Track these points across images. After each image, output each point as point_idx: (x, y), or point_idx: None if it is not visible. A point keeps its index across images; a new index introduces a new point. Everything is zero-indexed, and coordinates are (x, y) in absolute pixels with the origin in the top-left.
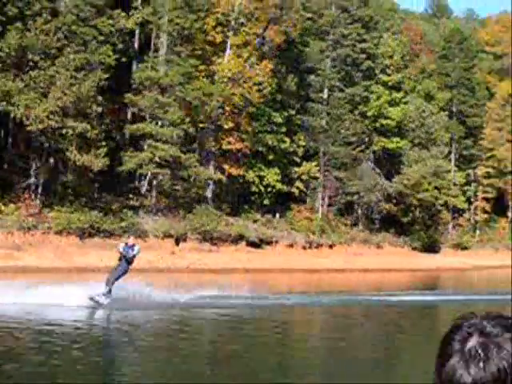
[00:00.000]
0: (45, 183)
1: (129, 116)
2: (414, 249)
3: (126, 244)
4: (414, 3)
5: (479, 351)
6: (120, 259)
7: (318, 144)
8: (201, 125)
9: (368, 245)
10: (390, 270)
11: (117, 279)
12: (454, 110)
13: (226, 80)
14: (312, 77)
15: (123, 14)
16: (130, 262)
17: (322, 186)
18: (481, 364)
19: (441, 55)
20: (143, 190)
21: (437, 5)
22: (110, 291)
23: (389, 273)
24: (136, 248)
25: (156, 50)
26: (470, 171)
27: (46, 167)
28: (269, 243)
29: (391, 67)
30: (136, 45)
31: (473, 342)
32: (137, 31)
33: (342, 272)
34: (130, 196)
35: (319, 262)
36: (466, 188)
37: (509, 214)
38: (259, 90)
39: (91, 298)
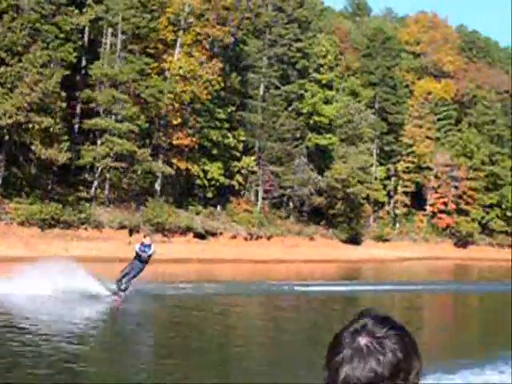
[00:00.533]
0: (4, 175)
1: (78, 111)
2: (342, 240)
3: (142, 243)
4: (334, 1)
5: (370, 348)
6: (135, 257)
7: (255, 139)
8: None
9: (302, 236)
10: (323, 260)
11: (133, 277)
12: (377, 106)
13: (177, 78)
14: (251, 74)
15: (76, 11)
16: (145, 261)
17: (259, 180)
18: (373, 359)
19: (365, 54)
20: (96, 182)
21: (356, 3)
22: (125, 289)
23: (322, 263)
24: (152, 247)
25: (105, 48)
26: (391, 166)
27: (5, 160)
28: (213, 235)
29: (325, 66)
30: (85, 41)
31: (362, 341)
32: (86, 28)
33: (284, 262)
34: (81, 188)
35: (261, 253)
36: (386, 182)
37: (426, 207)
38: (206, 88)
39: (114, 293)
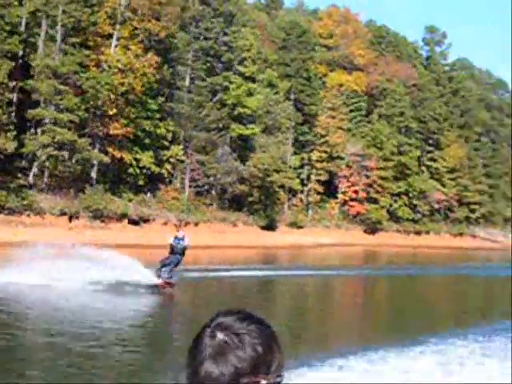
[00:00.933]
0: None
1: (15, 100)
2: (261, 227)
3: (176, 237)
4: None
5: (230, 344)
6: (171, 252)
7: (182, 129)
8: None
9: (227, 223)
10: (247, 246)
11: (174, 267)
12: (292, 98)
13: (115, 70)
14: (178, 67)
15: (16, 2)
16: (180, 253)
17: (187, 169)
18: (233, 355)
19: (281, 46)
20: (34, 170)
21: None
22: (170, 277)
23: (246, 249)
24: (186, 240)
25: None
26: (305, 155)
27: None
28: (146, 221)
29: (248, 59)
30: (23, 33)
31: (222, 337)
32: (23, 20)
33: (212, 248)
34: (19, 175)
35: (190, 239)
36: (300, 171)
37: (338, 195)
38: (141, 80)
39: (165, 283)
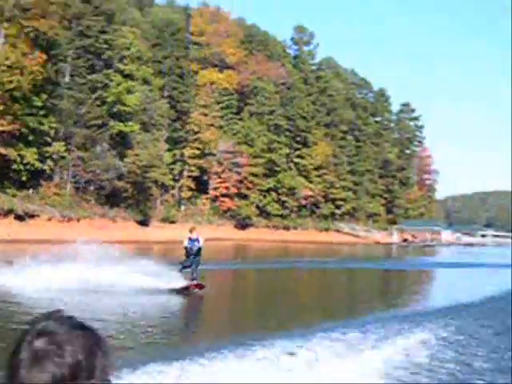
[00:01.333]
0: None
1: None
2: (137, 222)
3: (190, 238)
4: None
5: (47, 351)
6: (187, 255)
7: (63, 125)
8: None
9: (106, 219)
10: (127, 241)
11: (196, 268)
12: (166, 95)
13: (4, 68)
14: (60, 63)
15: None
16: (196, 254)
17: (68, 165)
18: (50, 363)
19: (154, 43)
20: None
21: None
22: (195, 278)
23: (125, 244)
24: (201, 240)
25: None
26: (178, 151)
27: None
28: (31, 217)
29: (128, 58)
30: None
31: (41, 344)
32: None
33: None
34: None
35: (74, 234)
36: (172, 167)
37: (210, 191)
38: (28, 77)
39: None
